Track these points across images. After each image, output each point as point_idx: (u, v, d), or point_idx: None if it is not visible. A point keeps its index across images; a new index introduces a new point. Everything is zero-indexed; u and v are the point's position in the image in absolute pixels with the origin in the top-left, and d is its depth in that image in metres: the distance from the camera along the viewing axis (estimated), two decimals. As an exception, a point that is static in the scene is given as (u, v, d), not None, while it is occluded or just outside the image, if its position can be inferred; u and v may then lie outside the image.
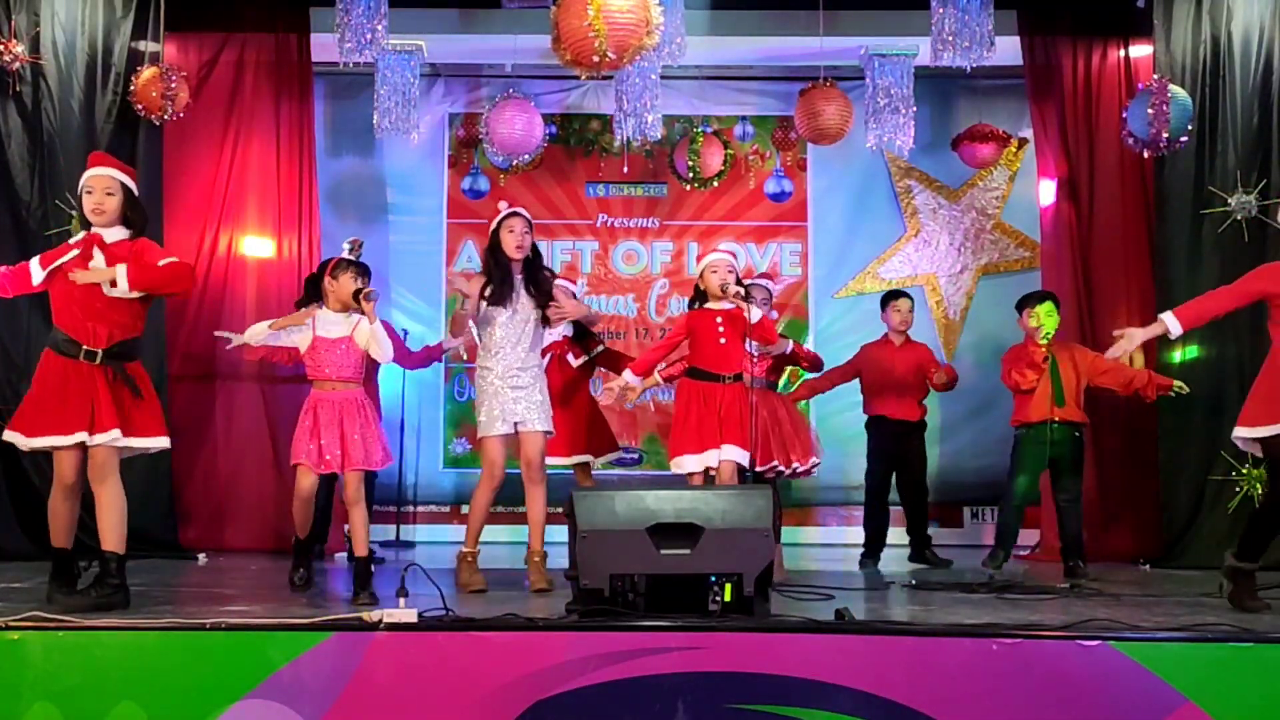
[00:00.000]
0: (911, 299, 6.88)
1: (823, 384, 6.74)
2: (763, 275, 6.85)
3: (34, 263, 4.43)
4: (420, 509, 7.96)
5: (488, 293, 5.09)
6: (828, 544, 7.96)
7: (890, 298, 6.82)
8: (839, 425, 8.12)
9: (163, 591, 4.71)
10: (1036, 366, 5.94)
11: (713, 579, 3.83)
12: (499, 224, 5.14)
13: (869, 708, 3.47)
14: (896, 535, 6.86)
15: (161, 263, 4.38)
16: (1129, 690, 3.47)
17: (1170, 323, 4.58)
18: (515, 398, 5.04)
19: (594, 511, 3.92)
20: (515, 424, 5.04)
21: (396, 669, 3.52)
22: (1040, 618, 4.10)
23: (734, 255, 5.96)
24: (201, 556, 6.52)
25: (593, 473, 6.21)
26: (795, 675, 3.50)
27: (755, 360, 5.71)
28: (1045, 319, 6.04)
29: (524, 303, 5.10)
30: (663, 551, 3.86)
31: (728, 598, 3.82)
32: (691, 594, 3.84)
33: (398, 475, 7.37)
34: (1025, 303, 6.17)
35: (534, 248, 5.19)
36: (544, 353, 5.78)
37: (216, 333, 5.94)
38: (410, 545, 7.53)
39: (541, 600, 4.63)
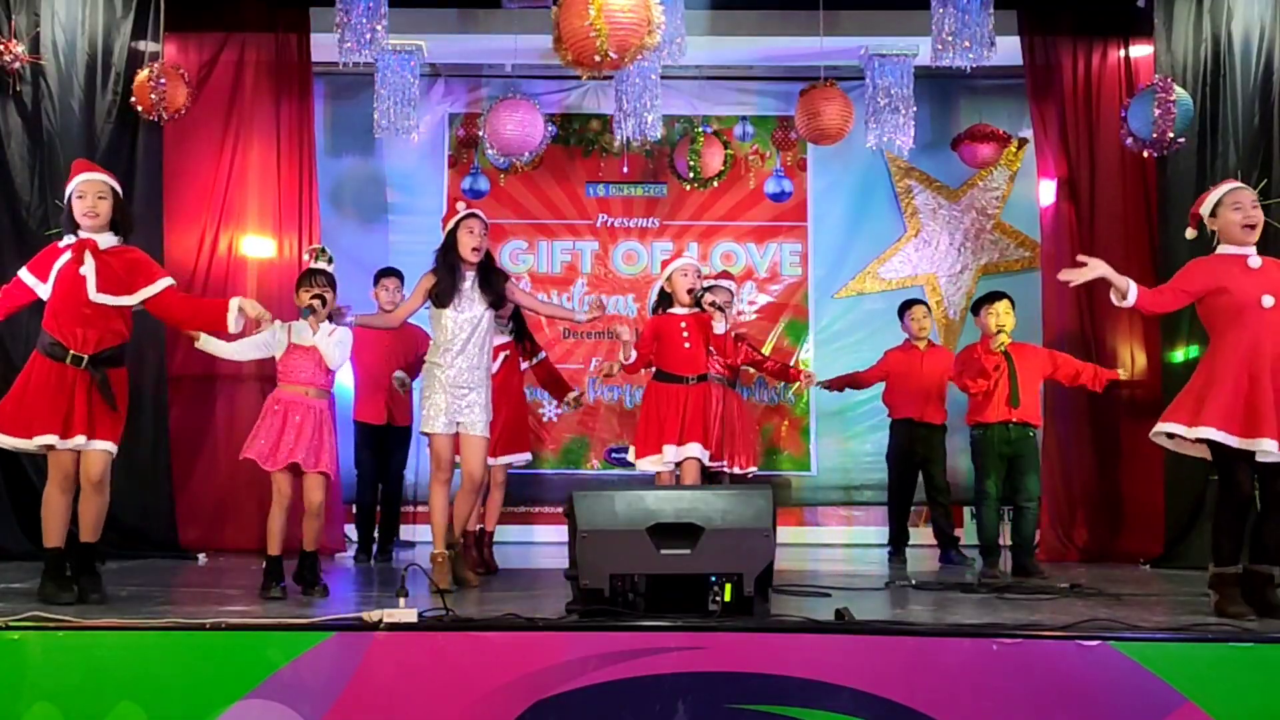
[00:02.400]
0: (927, 305, 7.12)
1: (857, 382, 7.09)
2: (723, 275, 7.00)
3: (27, 276, 4.46)
4: (420, 509, 7.95)
5: (435, 293, 5.09)
6: (828, 544, 7.97)
7: (906, 306, 7.04)
8: (838, 425, 8.15)
9: (163, 591, 4.71)
10: (986, 374, 5.94)
11: (713, 579, 3.83)
12: (457, 223, 5.11)
13: (869, 708, 3.47)
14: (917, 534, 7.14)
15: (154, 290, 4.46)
16: (1129, 690, 3.46)
17: (1131, 291, 4.46)
18: (458, 398, 5.02)
19: (594, 511, 3.92)
20: (457, 423, 5.04)
21: (396, 669, 3.52)
22: (1040, 618, 4.10)
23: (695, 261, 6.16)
24: (201, 556, 6.52)
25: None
26: (795, 675, 3.50)
27: (716, 361, 6.05)
28: (1004, 317, 6.03)
29: (475, 305, 5.08)
30: (663, 551, 3.86)
31: (728, 598, 3.82)
32: (691, 594, 3.84)
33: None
34: (983, 302, 6.18)
35: (487, 252, 5.17)
36: (496, 352, 5.76)
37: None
38: (410, 545, 7.53)
39: (542, 600, 4.63)
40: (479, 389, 5.08)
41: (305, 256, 5.19)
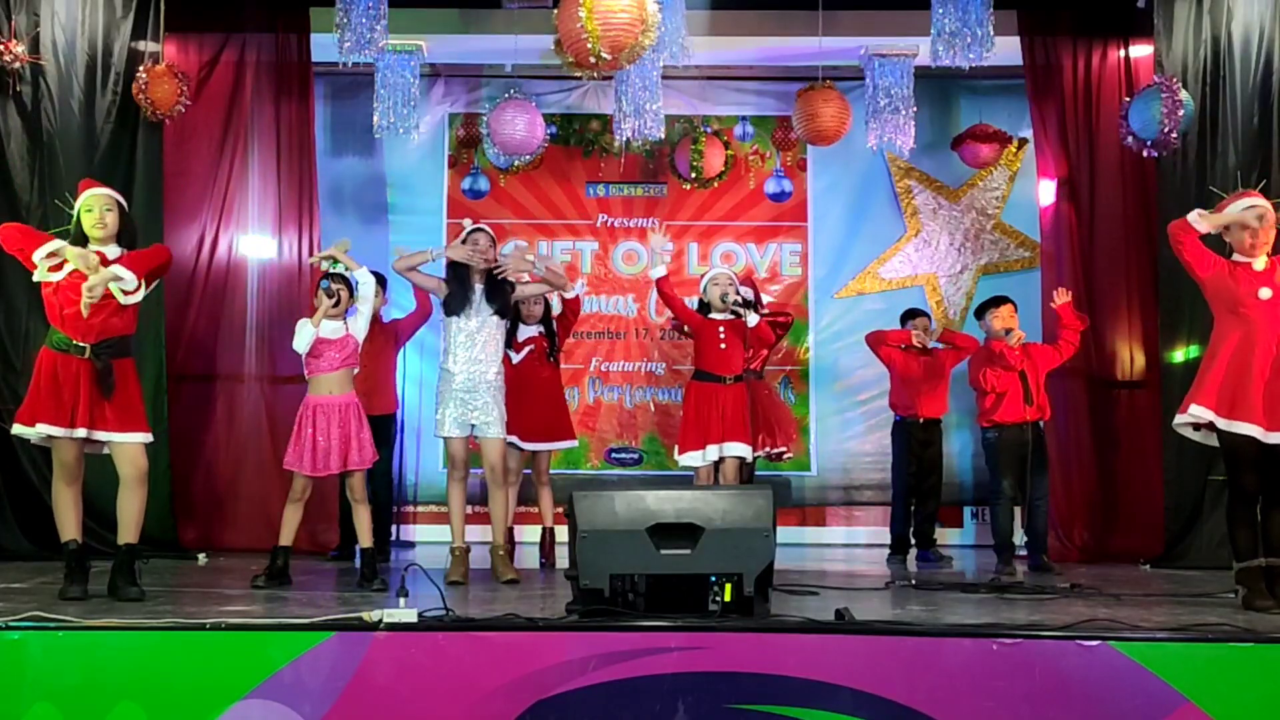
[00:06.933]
0: (929, 316, 7.32)
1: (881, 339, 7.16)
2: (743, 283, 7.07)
3: (39, 256, 4.60)
4: (420, 509, 7.96)
5: (445, 301, 5.45)
6: (828, 544, 7.96)
7: (908, 316, 7.19)
8: (838, 426, 8.15)
9: (163, 591, 4.71)
10: (1012, 369, 6.13)
11: (713, 579, 3.84)
12: (465, 238, 5.51)
13: (869, 708, 3.47)
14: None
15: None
16: (1129, 690, 3.47)
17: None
18: (471, 405, 5.36)
19: (594, 511, 3.93)
20: (471, 427, 5.38)
21: (396, 669, 3.52)
22: (1040, 618, 4.10)
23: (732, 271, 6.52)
24: (201, 556, 6.52)
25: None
26: (795, 675, 3.50)
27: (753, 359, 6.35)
28: (1010, 319, 6.27)
29: (483, 313, 5.42)
30: (663, 551, 3.86)
31: (728, 598, 3.83)
32: (691, 594, 3.85)
33: (397, 475, 7.36)
34: (988, 306, 6.43)
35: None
36: (523, 345, 6.27)
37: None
38: (410, 545, 7.53)
39: (541, 600, 4.63)
40: (491, 392, 5.38)
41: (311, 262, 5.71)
